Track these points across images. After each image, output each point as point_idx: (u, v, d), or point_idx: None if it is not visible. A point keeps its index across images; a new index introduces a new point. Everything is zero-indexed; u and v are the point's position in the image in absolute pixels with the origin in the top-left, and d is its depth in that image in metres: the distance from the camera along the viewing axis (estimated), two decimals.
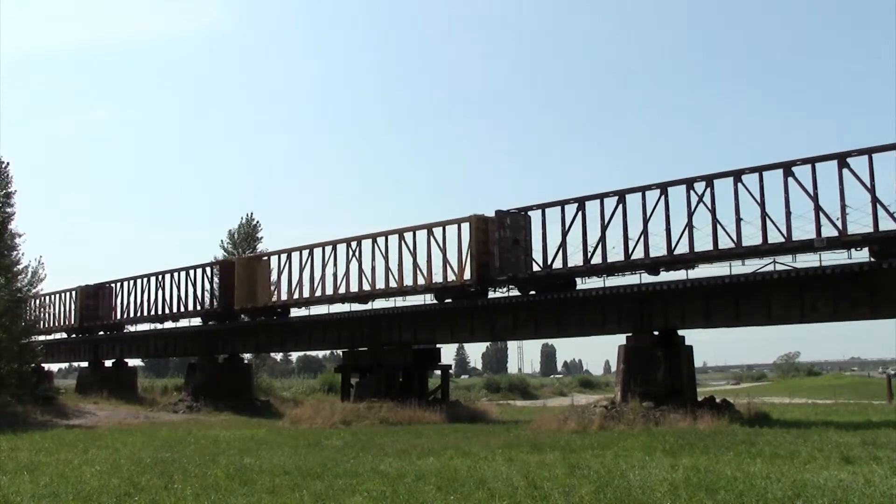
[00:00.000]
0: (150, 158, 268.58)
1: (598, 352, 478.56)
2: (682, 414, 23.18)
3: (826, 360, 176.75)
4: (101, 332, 49.90)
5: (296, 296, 36.37)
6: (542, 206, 28.17)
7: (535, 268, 28.09)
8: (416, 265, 31.21)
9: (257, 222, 57.19)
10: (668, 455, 15.27)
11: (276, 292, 37.81)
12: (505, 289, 29.50)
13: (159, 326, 46.00)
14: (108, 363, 50.77)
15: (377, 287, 32.63)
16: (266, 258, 40.03)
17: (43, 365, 49.05)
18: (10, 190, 37.77)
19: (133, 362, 55.49)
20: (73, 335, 51.96)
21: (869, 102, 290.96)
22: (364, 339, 34.80)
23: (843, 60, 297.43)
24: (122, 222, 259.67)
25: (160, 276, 45.01)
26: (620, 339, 26.97)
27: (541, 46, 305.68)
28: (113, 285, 49.60)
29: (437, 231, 30.76)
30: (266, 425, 30.94)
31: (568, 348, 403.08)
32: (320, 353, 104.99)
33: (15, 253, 37.46)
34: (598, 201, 26.56)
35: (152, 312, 45.10)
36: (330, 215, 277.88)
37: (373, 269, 32.89)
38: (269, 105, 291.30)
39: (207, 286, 41.87)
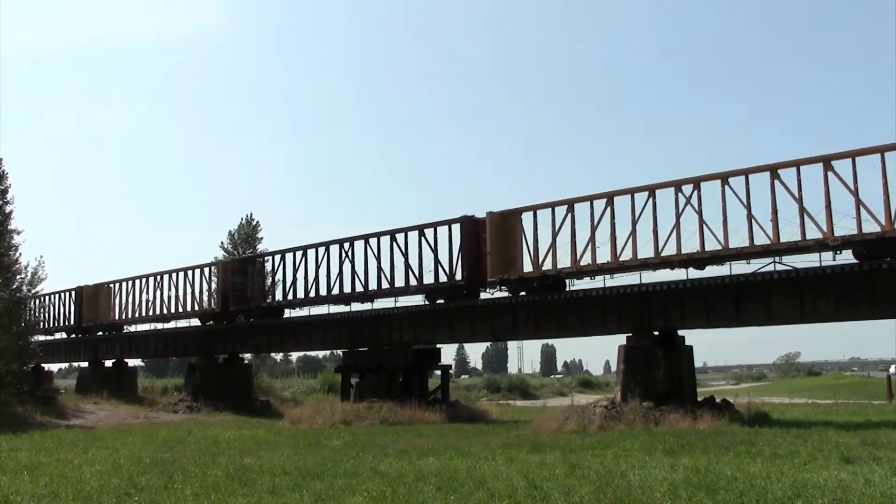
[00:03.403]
0: (150, 158, 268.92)
1: (598, 352, 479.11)
2: (682, 414, 23.18)
3: (826, 360, 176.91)
4: (252, 319, 39.92)
5: (584, 262, 27.03)
6: None
7: None
8: (772, 216, 23.12)
9: (257, 222, 56.91)
10: (668, 455, 15.28)
11: (547, 258, 28.14)
12: None
13: (345, 310, 35.25)
14: (108, 363, 50.71)
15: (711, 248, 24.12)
16: (531, 211, 29.00)
17: (43, 365, 49.12)
18: (5, 187, 37.61)
19: (133, 362, 55.44)
20: (211, 322, 42.00)
21: None
22: (364, 339, 34.71)
23: None
24: (123, 222, 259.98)
25: (348, 244, 34.15)
26: (620, 339, 26.96)
27: (538, 46, 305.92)
28: (267, 259, 39.88)
29: (840, 165, 22.13)
30: (266, 425, 30.92)
31: (568, 348, 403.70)
32: (320, 353, 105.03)
33: (13, 252, 37.35)
34: None
35: (334, 291, 34.61)
36: (330, 215, 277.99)
37: (676, 224, 24.43)
38: (270, 105, 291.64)
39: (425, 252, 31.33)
